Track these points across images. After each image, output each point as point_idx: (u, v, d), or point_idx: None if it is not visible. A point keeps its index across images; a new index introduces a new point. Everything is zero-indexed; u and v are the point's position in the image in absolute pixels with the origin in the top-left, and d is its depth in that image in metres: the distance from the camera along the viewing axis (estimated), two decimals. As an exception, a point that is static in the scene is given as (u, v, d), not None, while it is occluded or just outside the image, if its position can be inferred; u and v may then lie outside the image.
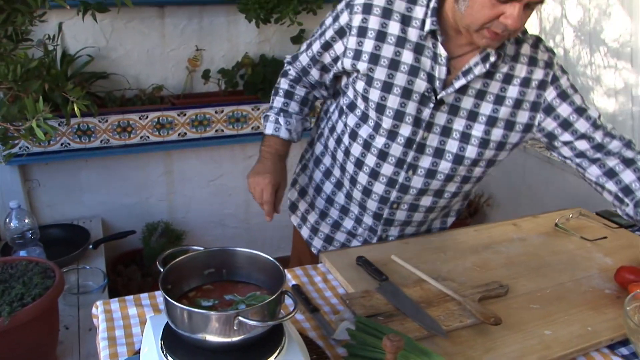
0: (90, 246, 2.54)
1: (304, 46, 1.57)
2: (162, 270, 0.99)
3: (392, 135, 1.43)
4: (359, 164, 1.51)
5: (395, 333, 1.01)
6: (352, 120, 1.49)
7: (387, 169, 1.47)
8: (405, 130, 1.42)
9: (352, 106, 1.48)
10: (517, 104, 1.41)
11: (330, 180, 1.64)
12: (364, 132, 1.47)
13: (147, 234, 2.90)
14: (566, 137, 1.42)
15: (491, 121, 1.41)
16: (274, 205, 1.49)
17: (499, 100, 1.40)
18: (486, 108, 1.40)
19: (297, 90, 1.61)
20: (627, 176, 1.39)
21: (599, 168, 1.43)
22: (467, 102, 1.40)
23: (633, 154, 1.41)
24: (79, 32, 2.63)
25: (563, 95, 1.41)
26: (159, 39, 2.78)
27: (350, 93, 1.48)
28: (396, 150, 1.44)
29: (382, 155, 1.46)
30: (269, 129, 1.56)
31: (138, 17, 2.71)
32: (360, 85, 1.43)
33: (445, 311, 1.21)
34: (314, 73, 1.56)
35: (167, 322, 0.97)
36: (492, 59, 1.34)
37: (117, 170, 2.90)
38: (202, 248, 1.07)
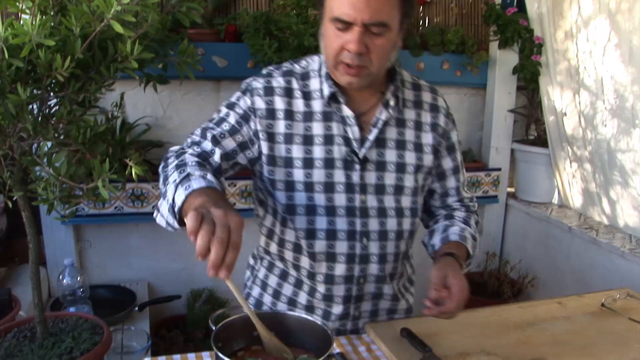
0: (136, 308, 2.59)
1: (196, 136, 1.40)
2: (213, 328, 1.03)
3: (330, 210, 1.40)
4: (312, 255, 1.44)
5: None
6: (287, 216, 1.42)
7: (341, 246, 1.42)
8: (340, 200, 1.40)
9: (282, 204, 1.42)
10: (434, 149, 1.50)
11: (288, 282, 1.54)
12: (302, 221, 1.41)
13: (191, 299, 2.95)
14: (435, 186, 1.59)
15: (417, 168, 1.48)
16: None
17: (418, 147, 1.48)
18: (410, 157, 1.46)
19: (206, 167, 1.29)
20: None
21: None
22: (391, 155, 1.44)
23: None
24: (138, 102, 2.80)
25: (451, 149, 1.56)
26: (213, 111, 2.92)
27: (277, 192, 1.42)
28: (342, 223, 1.41)
29: (331, 234, 1.41)
30: (197, 184, 1.14)
31: (195, 90, 2.87)
32: (280, 172, 1.40)
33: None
34: (216, 157, 1.34)
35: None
36: (392, 102, 1.42)
37: (165, 236, 2.98)
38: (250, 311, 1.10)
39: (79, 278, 2.18)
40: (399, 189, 1.45)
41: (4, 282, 2.35)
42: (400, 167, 1.45)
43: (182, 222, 1.15)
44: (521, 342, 1.41)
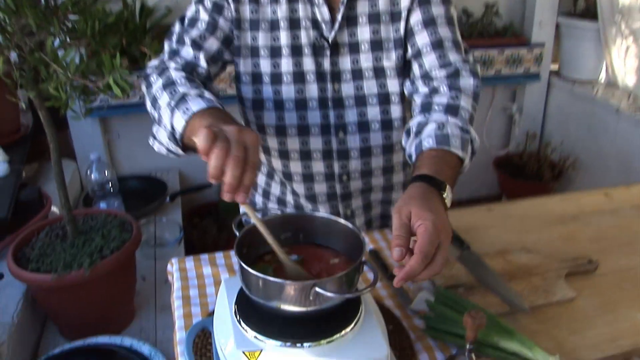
0: (167, 199, 2.60)
1: (173, 43, 1.24)
2: (237, 233, 0.97)
3: (300, 104, 1.26)
4: (284, 154, 1.32)
5: (477, 308, 0.95)
6: (252, 114, 1.29)
7: (315, 142, 1.30)
8: (312, 91, 1.25)
9: (249, 99, 1.28)
10: (408, 12, 1.23)
11: (275, 181, 1.44)
12: (270, 117, 1.27)
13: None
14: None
15: (397, 43, 1.25)
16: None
17: (396, 16, 1.23)
18: (387, 30, 1.24)
19: (196, 80, 1.16)
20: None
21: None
22: (364, 33, 1.24)
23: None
24: (157, -16, 2.63)
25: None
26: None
27: (243, 86, 1.27)
28: (314, 117, 1.27)
29: (303, 129, 1.28)
30: (196, 105, 1.01)
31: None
32: (246, 64, 1.26)
33: (529, 286, 1.14)
34: (202, 63, 1.20)
35: (242, 287, 0.95)
36: None
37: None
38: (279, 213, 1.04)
39: (106, 172, 2.15)
40: (379, 72, 1.26)
41: (36, 178, 2.35)
42: (376, 45, 1.24)
43: (185, 148, 1.05)
44: (563, 238, 1.33)
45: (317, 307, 0.87)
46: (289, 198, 1.43)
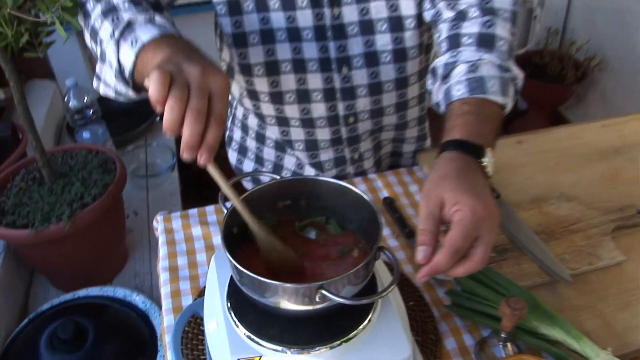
0: (157, 118, 2.39)
1: None
2: (224, 209, 0.80)
3: (293, 34, 1.03)
4: (277, 97, 1.10)
5: (517, 296, 0.80)
6: (235, 52, 1.07)
7: (314, 80, 1.08)
8: (305, 18, 1.02)
9: (229, 33, 1.04)
10: None
11: (269, 123, 1.20)
12: (256, 54, 1.05)
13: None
14: None
15: None
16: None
17: None
18: None
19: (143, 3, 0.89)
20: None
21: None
22: None
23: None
24: None
25: None
26: None
27: (221, 18, 1.04)
28: (310, 50, 1.05)
29: (298, 65, 1.06)
30: (146, 34, 0.78)
31: None
32: None
33: (571, 247, 0.98)
34: None
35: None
36: None
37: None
38: (276, 176, 0.85)
39: (85, 98, 1.94)
40: None
41: (11, 103, 2.14)
42: None
43: (137, 88, 0.83)
44: (606, 179, 1.15)
45: (326, 305, 0.71)
46: (287, 162, 1.24)
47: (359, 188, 1.16)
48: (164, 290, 0.98)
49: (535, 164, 1.18)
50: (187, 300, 0.96)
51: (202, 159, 0.65)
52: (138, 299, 1.46)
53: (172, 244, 1.07)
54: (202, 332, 0.90)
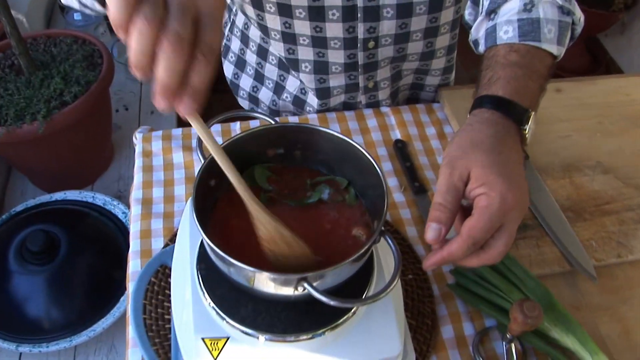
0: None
1: None
2: (202, 160, 0.67)
3: None
4: (286, 9, 0.92)
5: (532, 300, 0.68)
6: None
7: None
8: None
9: None
10: None
11: (273, 37, 1.01)
12: None
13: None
14: None
15: None
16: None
17: None
18: None
19: None
20: None
21: None
22: None
23: None
24: None
25: None
26: None
27: None
28: None
29: None
30: None
31: None
32: None
33: (600, 232, 0.85)
34: None
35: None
36: None
37: None
38: (270, 120, 0.71)
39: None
40: None
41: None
42: None
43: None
44: (650, 147, 1.00)
45: (307, 293, 0.60)
46: (290, 84, 1.06)
47: (369, 122, 1.04)
48: (133, 227, 0.87)
49: (573, 120, 1.03)
50: (157, 244, 0.85)
51: (181, 107, 0.45)
52: (118, 209, 1.36)
53: (149, 170, 0.95)
54: (170, 286, 0.79)
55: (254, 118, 1.00)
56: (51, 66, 1.34)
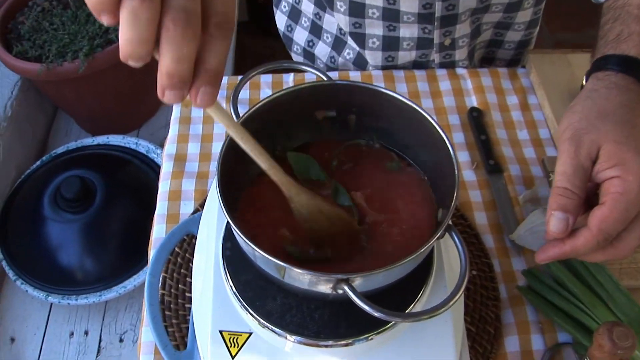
0: None
1: None
2: (235, 117, 0.56)
3: None
4: None
5: (619, 320, 0.56)
6: None
7: None
8: None
9: None
10: None
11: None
12: None
13: None
14: None
15: None
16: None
17: None
18: None
19: None
20: None
21: None
22: None
23: None
24: None
25: None
26: None
27: None
28: None
29: None
30: None
31: None
32: None
33: None
34: None
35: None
36: None
37: None
38: (322, 75, 0.60)
39: None
40: None
41: None
42: None
43: None
44: None
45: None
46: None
47: (441, 85, 0.90)
48: (162, 187, 0.78)
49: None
50: (187, 208, 0.75)
51: (199, 99, 0.35)
52: (161, 158, 1.28)
53: (186, 122, 0.85)
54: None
55: (303, 71, 0.88)
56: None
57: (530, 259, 0.70)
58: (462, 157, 0.80)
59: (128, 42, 0.32)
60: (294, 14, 0.99)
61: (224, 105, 0.86)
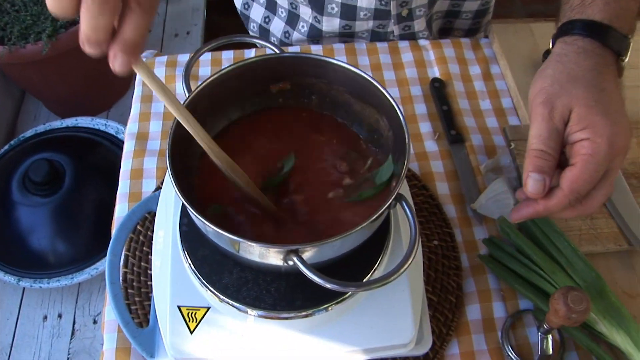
0: None
1: None
2: (185, 93, 0.56)
3: None
4: None
5: (576, 285, 0.56)
6: None
7: None
8: None
9: None
10: None
11: None
12: None
13: None
14: None
15: None
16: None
17: None
18: None
19: None
20: None
21: None
22: None
23: None
24: None
25: None
26: None
27: None
28: None
29: None
30: None
31: None
32: None
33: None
34: None
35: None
36: None
37: None
38: (274, 49, 0.59)
39: None
40: None
41: None
42: None
43: None
44: None
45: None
46: (304, 12, 0.90)
47: (403, 57, 0.89)
48: (124, 166, 0.77)
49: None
50: (148, 186, 0.75)
51: (116, 64, 0.38)
52: (131, 140, 1.26)
53: (148, 101, 0.84)
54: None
55: (257, 46, 0.87)
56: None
57: (492, 227, 0.71)
58: (424, 128, 0.80)
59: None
60: None
61: (180, 81, 0.85)
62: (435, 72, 0.86)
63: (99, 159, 1.22)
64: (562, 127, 0.52)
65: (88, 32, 0.36)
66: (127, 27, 0.38)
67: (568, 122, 0.52)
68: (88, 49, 0.37)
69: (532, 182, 0.51)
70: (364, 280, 0.53)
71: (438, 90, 0.84)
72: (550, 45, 0.59)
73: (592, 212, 0.54)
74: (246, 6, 0.99)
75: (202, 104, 0.53)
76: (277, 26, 0.96)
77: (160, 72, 0.87)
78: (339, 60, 0.55)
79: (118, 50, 0.38)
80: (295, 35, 0.94)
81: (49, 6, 0.36)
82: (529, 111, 0.54)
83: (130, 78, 1.46)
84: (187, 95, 0.53)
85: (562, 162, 0.52)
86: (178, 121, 0.49)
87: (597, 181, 0.51)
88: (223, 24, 2.08)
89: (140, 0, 0.38)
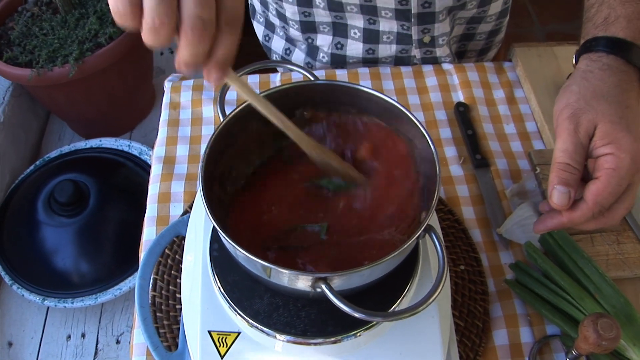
0: None
1: None
2: (220, 117, 0.57)
3: None
4: None
5: (605, 312, 0.56)
6: None
7: None
8: None
9: None
10: None
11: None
12: None
13: None
14: None
15: None
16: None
17: None
18: None
19: None
20: None
21: None
22: None
23: None
24: None
25: None
26: None
27: None
28: None
29: None
30: None
31: None
32: None
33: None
34: None
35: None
36: None
37: None
38: (307, 74, 0.60)
39: None
40: None
41: None
42: None
43: None
44: None
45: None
46: (322, 41, 0.92)
47: (427, 81, 0.90)
48: (152, 190, 0.78)
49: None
50: (176, 210, 0.76)
51: (212, 78, 0.42)
52: (154, 161, 1.28)
53: (175, 124, 0.85)
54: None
55: (290, 70, 0.89)
56: (88, 4, 1.25)
57: (518, 252, 0.71)
58: (449, 152, 0.80)
59: (149, 36, 0.37)
60: (269, 25, 1.00)
61: (211, 106, 0.87)
62: (460, 96, 0.87)
63: (123, 180, 1.24)
64: (587, 142, 0.53)
65: (187, 59, 0.39)
66: (220, 48, 0.40)
67: (592, 137, 0.53)
68: (184, 70, 0.40)
69: (557, 194, 0.52)
70: (393, 309, 0.53)
71: (463, 115, 0.84)
72: (573, 61, 0.60)
73: (613, 224, 0.56)
74: (267, 38, 1.01)
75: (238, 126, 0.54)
76: (299, 57, 0.97)
77: (186, 96, 0.88)
78: (371, 89, 0.56)
79: (212, 68, 0.41)
80: (318, 64, 0.95)
81: (145, 39, 0.38)
82: (554, 126, 0.56)
83: (153, 99, 1.48)
84: (222, 119, 0.54)
85: (584, 175, 0.53)
86: (209, 153, 0.50)
87: (619, 194, 0.52)
88: (241, 42, 2.11)
89: (229, 21, 0.40)
